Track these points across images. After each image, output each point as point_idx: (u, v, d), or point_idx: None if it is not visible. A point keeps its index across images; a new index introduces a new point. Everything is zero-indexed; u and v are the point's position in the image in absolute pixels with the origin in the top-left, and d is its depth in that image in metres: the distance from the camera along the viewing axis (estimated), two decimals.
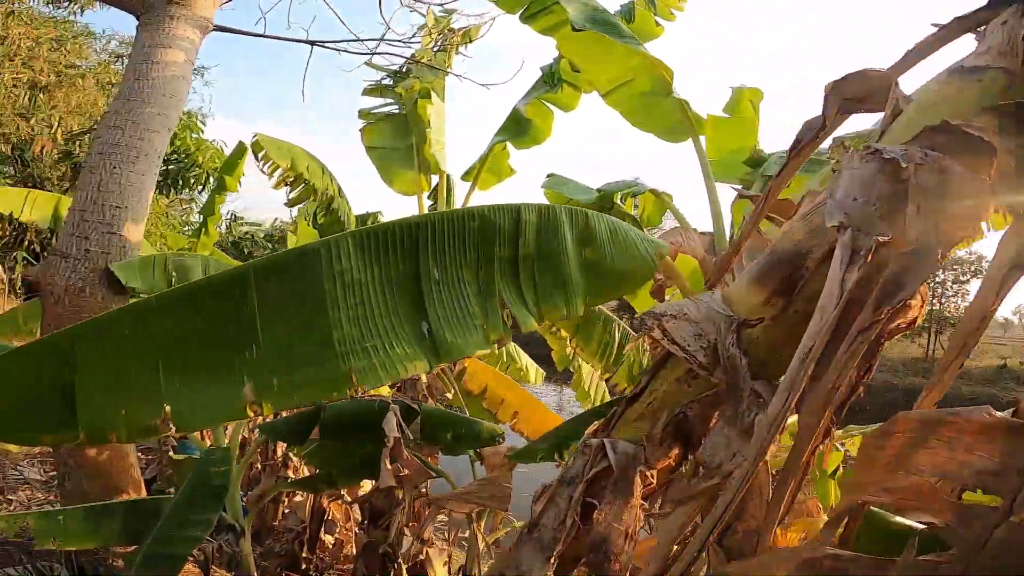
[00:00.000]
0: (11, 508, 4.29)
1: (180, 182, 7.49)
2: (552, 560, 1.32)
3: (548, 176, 4.47)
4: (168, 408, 1.22)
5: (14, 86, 8.56)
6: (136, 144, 3.20)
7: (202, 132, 7.80)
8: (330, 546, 4.33)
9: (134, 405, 1.24)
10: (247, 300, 1.33)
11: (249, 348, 1.31)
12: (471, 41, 5.36)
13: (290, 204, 4.48)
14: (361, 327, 1.38)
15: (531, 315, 1.59)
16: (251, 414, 1.30)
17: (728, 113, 3.50)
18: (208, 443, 4.31)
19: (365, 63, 4.94)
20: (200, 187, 7.62)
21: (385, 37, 4.78)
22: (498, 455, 2.86)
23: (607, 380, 4.58)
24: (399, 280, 1.48)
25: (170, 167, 7.35)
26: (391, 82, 5.07)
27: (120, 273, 3.04)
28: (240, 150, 5.42)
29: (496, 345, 1.54)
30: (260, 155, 4.16)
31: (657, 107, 3.37)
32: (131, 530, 2.55)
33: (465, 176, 5.16)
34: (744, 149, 3.54)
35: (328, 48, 4.77)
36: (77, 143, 8.20)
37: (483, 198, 5.27)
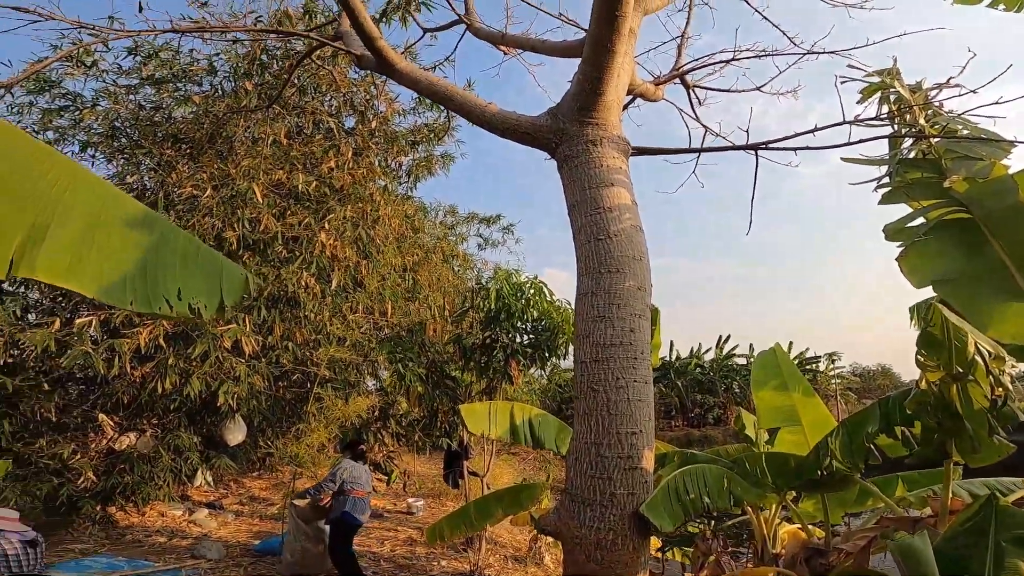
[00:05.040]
0: None
1: (548, 353, 6.41)
2: None
3: None
4: None
5: (404, 268, 8.26)
6: (630, 339, 2.53)
7: (553, 293, 6.62)
8: None
9: None
10: None
11: None
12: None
13: None
14: None
15: None
16: None
17: None
18: None
19: (842, 159, 3.41)
20: (564, 354, 6.58)
21: (852, 119, 3.36)
22: None
23: None
24: None
25: (541, 336, 6.52)
26: (916, 174, 3.25)
27: (651, 514, 2.64)
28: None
29: None
30: None
31: None
32: None
33: None
34: None
35: (777, 149, 3.43)
36: (460, 323, 7.47)
37: None
